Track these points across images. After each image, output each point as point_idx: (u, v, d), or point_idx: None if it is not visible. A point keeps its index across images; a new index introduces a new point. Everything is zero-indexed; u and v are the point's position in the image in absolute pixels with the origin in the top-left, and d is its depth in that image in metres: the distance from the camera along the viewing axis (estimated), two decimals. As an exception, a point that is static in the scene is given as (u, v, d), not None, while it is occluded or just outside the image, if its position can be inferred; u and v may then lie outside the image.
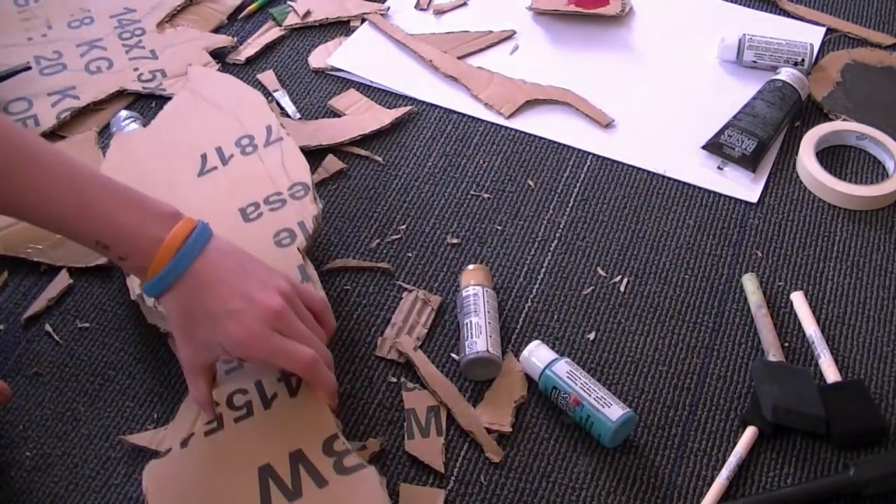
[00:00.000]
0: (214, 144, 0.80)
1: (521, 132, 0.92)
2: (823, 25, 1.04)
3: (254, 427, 0.65)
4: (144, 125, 0.86)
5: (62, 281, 0.78)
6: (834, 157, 0.90)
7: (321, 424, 0.64)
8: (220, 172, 0.78)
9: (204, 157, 0.79)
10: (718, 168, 0.89)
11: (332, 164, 0.88)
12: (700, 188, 0.87)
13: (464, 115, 0.94)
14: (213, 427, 0.66)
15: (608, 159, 0.90)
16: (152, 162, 0.80)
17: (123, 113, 0.89)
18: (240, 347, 0.62)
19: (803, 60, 0.97)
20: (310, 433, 0.63)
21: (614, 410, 0.67)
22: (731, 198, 0.86)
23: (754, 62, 0.98)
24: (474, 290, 0.75)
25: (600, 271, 0.80)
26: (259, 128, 0.80)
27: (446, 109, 0.94)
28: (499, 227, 0.83)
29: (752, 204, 0.86)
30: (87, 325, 0.76)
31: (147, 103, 0.94)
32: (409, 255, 0.81)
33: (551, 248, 0.82)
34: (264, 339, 0.62)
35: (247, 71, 0.98)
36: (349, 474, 0.61)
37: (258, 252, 0.67)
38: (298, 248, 0.72)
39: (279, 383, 0.67)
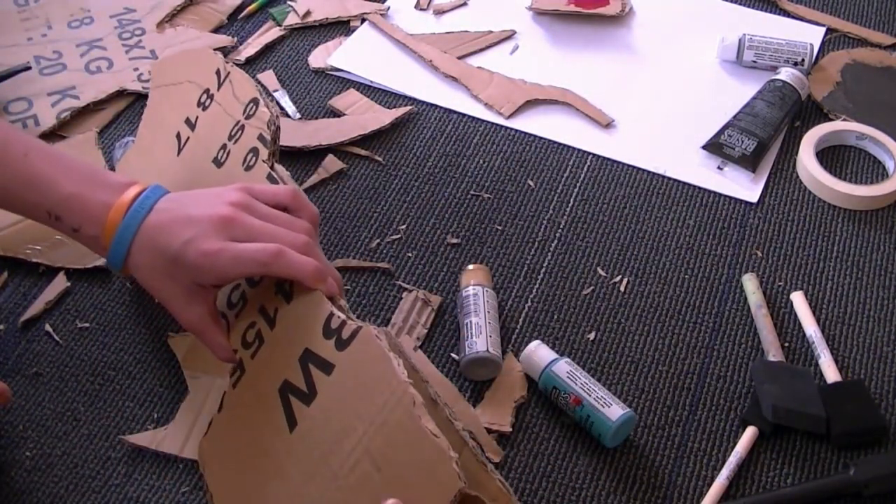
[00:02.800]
0: (182, 118, 0.79)
1: (521, 132, 0.92)
2: (823, 25, 1.04)
3: (267, 353, 0.63)
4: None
5: (59, 284, 0.78)
6: (834, 157, 0.90)
7: (317, 313, 0.60)
8: (192, 140, 0.77)
9: (178, 135, 0.78)
10: (718, 168, 0.89)
11: (332, 164, 0.88)
12: (700, 188, 0.87)
13: (464, 115, 0.94)
14: (238, 375, 0.64)
15: (608, 159, 0.90)
16: (142, 168, 0.80)
17: (117, 144, 0.88)
18: (207, 272, 0.60)
19: (803, 60, 0.97)
20: (309, 327, 0.60)
21: (614, 410, 0.67)
22: (731, 198, 0.86)
23: (754, 62, 0.98)
24: (474, 290, 0.75)
25: (600, 271, 0.80)
26: (211, 78, 0.78)
27: (446, 109, 0.94)
28: (499, 227, 0.83)
29: (752, 204, 0.86)
30: (86, 325, 0.76)
31: (147, 103, 0.94)
32: (409, 255, 0.81)
33: (551, 248, 0.82)
34: (223, 252, 0.60)
35: (247, 71, 0.98)
36: (348, 346, 0.57)
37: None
38: (263, 160, 0.70)
39: (277, 296, 0.64)
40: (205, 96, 0.77)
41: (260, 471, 0.60)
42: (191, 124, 0.77)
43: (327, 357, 0.58)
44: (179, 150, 0.77)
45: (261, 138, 0.70)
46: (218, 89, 0.76)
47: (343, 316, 0.59)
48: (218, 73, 0.77)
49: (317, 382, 0.58)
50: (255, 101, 0.72)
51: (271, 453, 0.60)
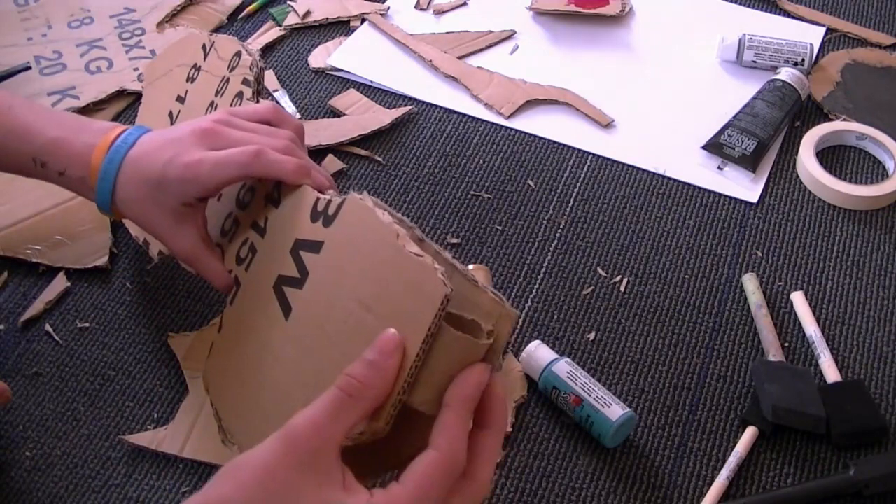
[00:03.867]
0: (173, 97, 0.79)
1: (521, 132, 0.92)
2: (823, 25, 1.04)
3: (260, 259, 0.62)
4: None
5: (59, 284, 0.78)
6: (834, 157, 0.90)
7: (303, 203, 0.59)
8: (182, 111, 0.77)
9: (170, 113, 0.78)
10: (718, 168, 0.89)
11: (332, 164, 0.88)
12: (700, 188, 0.87)
13: (464, 115, 0.94)
14: (234, 291, 0.64)
15: (608, 159, 0.90)
16: None
17: None
18: (190, 183, 0.60)
19: (803, 60, 0.97)
20: (297, 219, 0.59)
21: (614, 410, 0.67)
22: (731, 198, 0.86)
23: (754, 62, 0.98)
24: (474, 290, 0.75)
25: (600, 271, 0.80)
26: (198, 54, 0.78)
27: (446, 109, 0.94)
28: (499, 227, 0.83)
29: (752, 204, 0.86)
30: (86, 325, 0.76)
31: (141, 102, 0.94)
32: (409, 255, 0.81)
33: (551, 248, 0.82)
34: (204, 160, 0.60)
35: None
36: (335, 219, 0.56)
37: None
38: (248, 98, 0.70)
39: (267, 206, 0.63)
40: (193, 71, 0.77)
41: (260, 368, 0.59)
42: (181, 99, 0.78)
43: (316, 238, 0.56)
44: (171, 125, 0.77)
45: (245, 82, 0.70)
46: (204, 60, 0.77)
47: (329, 196, 0.57)
48: (204, 46, 0.77)
49: (308, 264, 0.56)
50: (237, 54, 0.72)
51: (269, 346, 0.58)
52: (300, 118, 0.93)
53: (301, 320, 0.56)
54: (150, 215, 0.63)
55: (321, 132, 0.90)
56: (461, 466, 0.46)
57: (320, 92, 0.96)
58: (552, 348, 0.73)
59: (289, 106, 0.94)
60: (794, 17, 1.06)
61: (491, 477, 0.48)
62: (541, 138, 0.92)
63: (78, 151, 0.63)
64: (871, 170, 0.89)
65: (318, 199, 0.58)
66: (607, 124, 0.93)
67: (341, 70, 0.98)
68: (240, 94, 0.71)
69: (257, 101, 0.68)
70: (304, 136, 0.68)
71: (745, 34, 0.98)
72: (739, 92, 0.95)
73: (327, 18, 1.04)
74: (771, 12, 1.06)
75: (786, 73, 0.93)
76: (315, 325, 0.54)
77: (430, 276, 0.47)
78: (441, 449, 0.45)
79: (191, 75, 0.77)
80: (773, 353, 0.73)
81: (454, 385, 0.47)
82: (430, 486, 0.45)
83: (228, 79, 0.72)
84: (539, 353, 0.71)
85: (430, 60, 0.98)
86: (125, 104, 0.94)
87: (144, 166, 0.62)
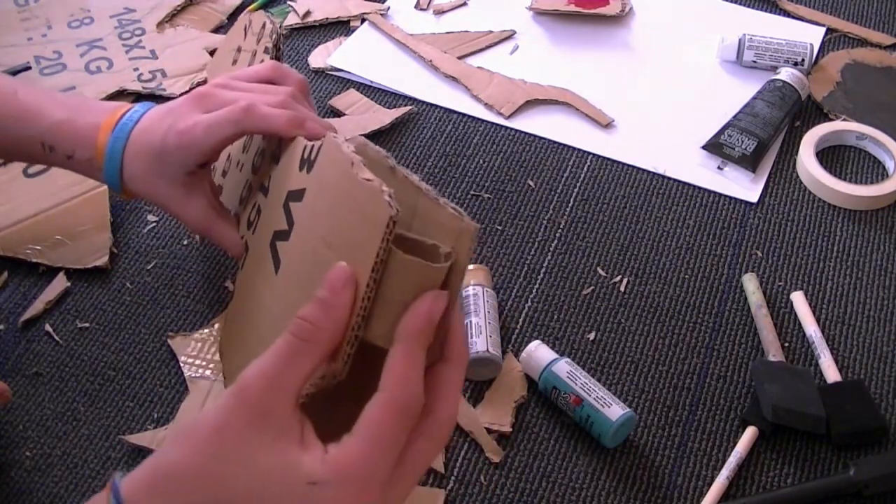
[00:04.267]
0: None
1: (521, 132, 0.92)
2: (823, 25, 1.04)
3: (263, 219, 0.61)
4: None
5: (59, 284, 0.78)
6: (834, 157, 0.90)
7: (295, 154, 0.57)
8: None
9: None
10: (718, 168, 0.89)
11: (332, 164, 0.88)
12: (700, 188, 0.87)
13: (464, 115, 0.94)
14: (244, 257, 0.63)
15: (608, 159, 0.90)
16: None
17: None
18: (187, 150, 0.60)
19: (803, 60, 0.97)
20: (289, 170, 0.57)
21: (614, 410, 0.67)
22: (731, 198, 0.86)
23: (754, 62, 0.98)
24: (474, 290, 0.75)
25: (600, 271, 0.80)
26: (240, 36, 0.79)
27: (446, 109, 0.94)
28: (499, 227, 0.83)
29: (752, 204, 0.86)
30: (86, 325, 0.76)
31: (147, 103, 0.94)
32: (409, 255, 0.81)
33: (551, 248, 0.82)
34: (198, 124, 0.59)
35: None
36: (315, 165, 0.53)
37: None
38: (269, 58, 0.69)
39: (271, 165, 0.62)
40: (236, 53, 0.77)
41: (255, 328, 0.58)
42: None
43: (300, 186, 0.54)
44: None
45: (266, 50, 0.70)
46: (244, 39, 0.77)
47: (315, 142, 0.55)
48: (245, 27, 0.77)
49: (294, 214, 0.54)
50: (263, 26, 0.72)
51: (263, 304, 0.57)
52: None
53: (284, 273, 0.54)
54: (158, 188, 0.62)
55: (321, 132, 0.90)
56: (416, 405, 0.42)
57: (320, 92, 0.96)
58: (552, 348, 0.73)
59: (289, 106, 0.94)
60: (794, 17, 1.06)
61: (454, 412, 0.44)
62: (541, 138, 0.92)
63: (84, 133, 0.63)
64: (871, 170, 0.89)
65: (305, 146, 0.56)
66: (607, 124, 0.93)
67: (341, 70, 0.98)
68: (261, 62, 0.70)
69: (274, 50, 0.69)
70: (308, 90, 0.66)
71: (745, 34, 0.98)
72: (739, 92, 0.95)
73: (327, 18, 1.04)
74: (771, 12, 1.06)
75: (786, 73, 0.93)
76: (293, 274, 0.53)
77: (376, 199, 0.44)
78: (390, 389, 0.42)
79: (235, 58, 0.77)
80: (773, 353, 0.73)
81: (404, 317, 0.43)
82: (383, 431, 0.41)
83: (255, 52, 0.72)
84: (539, 353, 0.71)
85: (430, 60, 0.98)
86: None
87: (147, 140, 0.62)
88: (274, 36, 0.70)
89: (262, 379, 0.41)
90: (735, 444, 0.69)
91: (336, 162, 0.49)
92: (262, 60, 0.70)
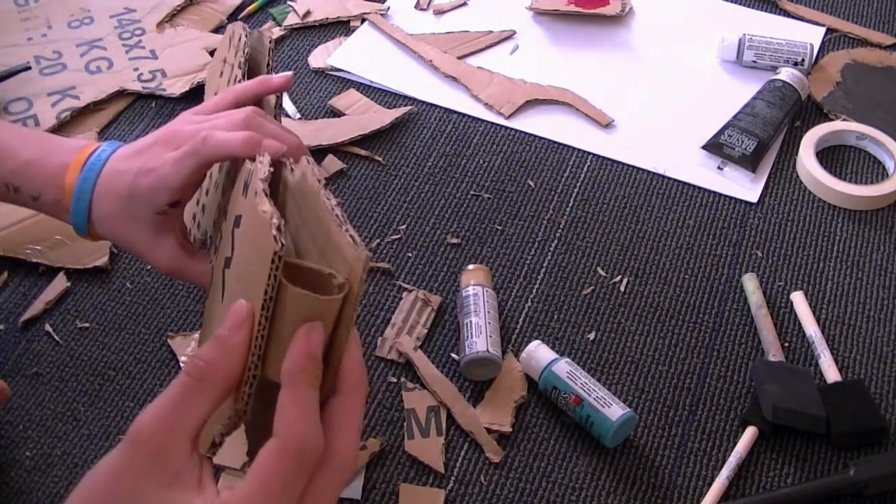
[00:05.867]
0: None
1: (521, 132, 0.92)
2: (823, 25, 1.04)
3: (221, 243, 0.59)
4: None
5: (59, 284, 0.78)
6: (834, 157, 0.90)
7: (241, 177, 0.54)
8: None
9: None
10: (718, 168, 0.89)
11: (332, 164, 0.88)
12: (700, 188, 0.87)
13: (464, 115, 0.94)
14: (211, 281, 0.61)
15: (608, 159, 0.90)
16: None
17: None
18: (157, 189, 0.58)
19: (803, 60, 0.97)
20: (237, 194, 0.55)
21: (614, 410, 0.67)
22: (731, 198, 0.86)
23: (754, 62, 0.98)
24: (474, 290, 0.75)
25: (600, 271, 0.80)
26: (225, 46, 0.77)
27: (446, 109, 0.94)
28: (499, 227, 0.83)
29: (752, 204, 0.86)
30: (86, 325, 0.76)
31: (147, 103, 0.94)
32: (409, 255, 0.81)
33: (551, 248, 0.82)
34: (165, 163, 0.58)
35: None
36: (248, 189, 0.51)
37: None
38: (239, 80, 0.68)
39: (234, 187, 0.60)
40: (223, 65, 0.77)
41: None
42: None
43: (241, 211, 0.52)
44: None
45: (240, 65, 0.69)
46: (228, 50, 0.76)
47: (250, 166, 0.52)
48: (229, 38, 0.77)
49: (235, 240, 0.52)
50: (240, 37, 0.71)
51: (211, 334, 0.56)
52: (300, 118, 0.93)
53: (226, 304, 0.53)
54: (127, 231, 0.61)
55: (321, 132, 0.90)
56: (309, 445, 0.41)
57: (320, 92, 0.96)
58: (552, 348, 0.73)
59: (289, 106, 0.94)
60: (794, 17, 1.06)
61: (355, 445, 0.43)
62: (541, 138, 0.92)
63: (51, 174, 0.61)
64: (871, 170, 0.89)
65: (247, 170, 0.54)
66: (607, 124, 0.93)
67: (341, 70, 0.98)
68: (236, 79, 0.69)
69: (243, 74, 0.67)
70: (266, 81, 0.65)
71: (745, 34, 0.98)
72: (739, 92, 0.95)
73: (327, 18, 1.04)
74: (771, 12, 1.06)
75: (786, 73, 0.93)
76: (226, 309, 0.51)
77: (266, 232, 0.43)
78: (279, 435, 0.41)
79: (222, 70, 0.77)
80: (773, 353, 0.73)
81: (285, 358, 0.42)
82: (273, 476, 0.40)
83: (233, 65, 0.72)
84: (539, 353, 0.71)
85: (430, 60, 0.98)
86: (125, 104, 0.94)
87: (116, 181, 0.60)
88: (247, 50, 0.69)
89: (157, 422, 0.41)
90: (735, 444, 0.69)
91: (251, 190, 0.49)
92: (236, 76, 0.70)
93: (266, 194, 0.46)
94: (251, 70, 0.70)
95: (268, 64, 0.69)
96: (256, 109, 0.61)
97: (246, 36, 0.70)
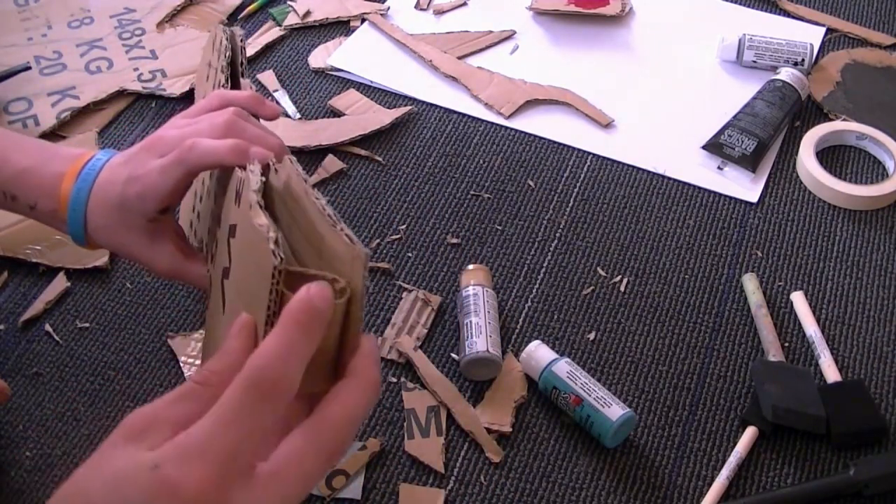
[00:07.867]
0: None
1: (521, 132, 0.92)
2: (823, 25, 1.04)
3: (218, 252, 0.58)
4: None
5: (59, 284, 0.78)
6: (834, 157, 0.90)
7: (232, 185, 0.55)
8: None
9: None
10: (718, 168, 0.89)
11: (332, 164, 0.88)
12: (700, 188, 0.87)
13: (464, 115, 0.94)
14: (208, 292, 0.62)
15: (608, 159, 0.90)
16: None
17: None
18: (145, 198, 0.59)
19: (803, 60, 0.97)
20: (230, 202, 0.55)
21: (614, 410, 0.67)
22: (731, 198, 0.86)
23: (754, 62, 0.98)
24: (474, 290, 0.75)
25: (600, 271, 0.80)
26: (210, 50, 0.77)
27: (446, 109, 0.94)
28: (499, 227, 0.83)
29: (752, 204, 0.86)
30: (86, 325, 0.76)
31: (147, 103, 0.94)
32: (409, 255, 0.81)
33: (551, 248, 0.82)
34: (151, 171, 0.58)
35: (247, 71, 0.98)
36: (241, 199, 0.51)
37: None
38: (223, 85, 0.68)
39: (226, 193, 0.60)
40: (209, 70, 0.77)
41: None
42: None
43: (235, 220, 0.52)
44: None
45: (222, 69, 0.69)
46: (213, 54, 0.76)
47: (243, 175, 0.52)
48: (213, 42, 0.77)
49: (231, 251, 0.52)
50: (221, 41, 0.71)
51: (217, 344, 0.54)
52: (300, 119, 0.93)
53: (227, 314, 0.53)
54: (123, 239, 0.61)
55: (321, 132, 0.90)
56: (274, 382, 0.40)
57: (320, 92, 0.96)
58: (552, 348, 0.73)
59: (289, 106, 0.94)
60: (794, 17, 1.06)
61: (345, 423, 0.42)
62: (541, 138, 0.92)
63: (47, 183, 0.61)
64: (871, 170, 0.89)
65: (238, 178, 0.54)
66: (607, 124, 0.93)
67: (341, 70, 0.98)
68: (220, 84, 0.69)
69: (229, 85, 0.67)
70: (259, 102, 0.65)
71: (745, 34, 0.98)
72: (739, 92, 0.95)
73: (327, 18, 1.04)
74: (771, 12, 1.06)
75: (786, 73, 0.93)
76: (232, 315, 0.51)
77: (264, 247, 0.43)
78: (245, 365, 0.40)
79: (208, 74, 0.77)
80: (773, 353, 0.73)
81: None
82: (228, 405, 0.39)
83: (216, 69, 0.72)
84: (539, 353, 0.71)
85: (430, 60, 0.98)
86: (125, 104, 0.94)
87: (108, 191, 0.60)
88: (228, 53, 0.69)
89: (147, 408, 0.41)
90: (735, 444, 0.69)
91: (244, 201, 0.48)
92: (220, 81, 0.70)
93: (261, 206, 0.46)
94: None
95: (241, 63, 0.69)
96: (238, 111, 0.62)
97: (227, 39, 0.70)
